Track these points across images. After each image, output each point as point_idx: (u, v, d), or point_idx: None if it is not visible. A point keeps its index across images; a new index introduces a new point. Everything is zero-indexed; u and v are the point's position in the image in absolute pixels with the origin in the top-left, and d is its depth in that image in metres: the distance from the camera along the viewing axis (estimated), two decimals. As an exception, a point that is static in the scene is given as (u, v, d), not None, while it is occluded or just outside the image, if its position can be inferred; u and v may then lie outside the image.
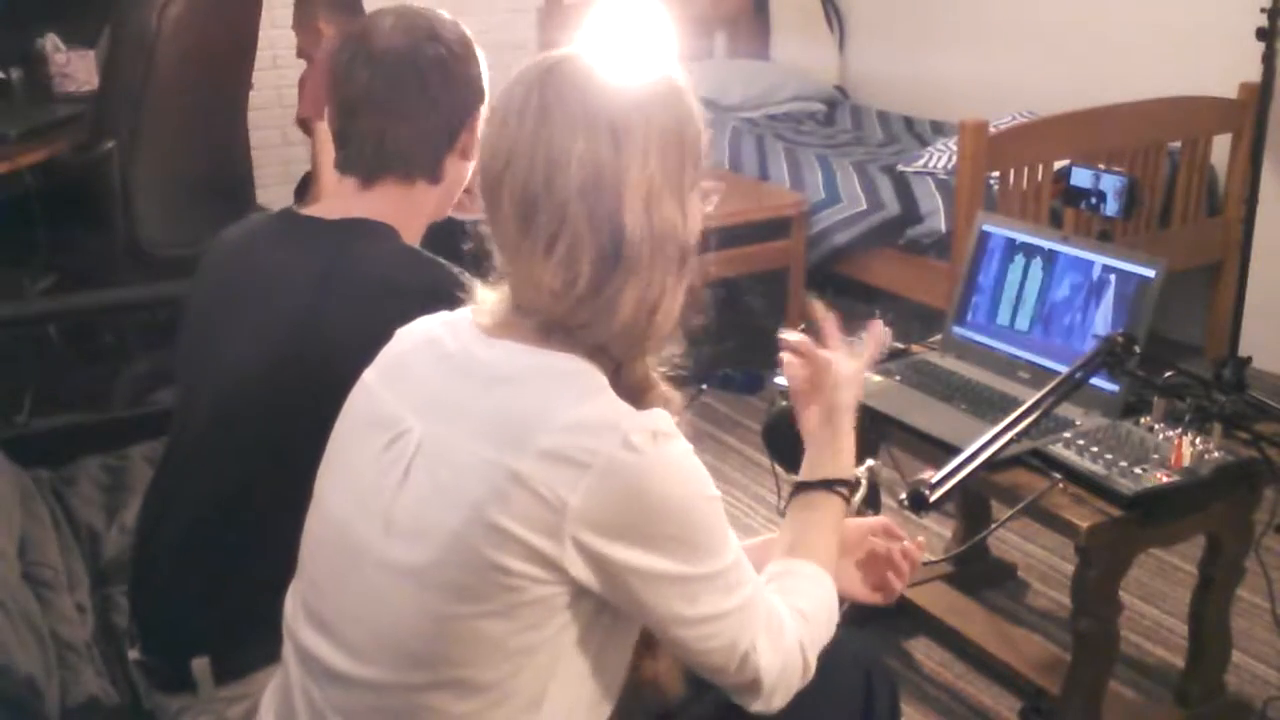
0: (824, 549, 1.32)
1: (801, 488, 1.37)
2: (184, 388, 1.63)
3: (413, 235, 1.58)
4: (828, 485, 1.35)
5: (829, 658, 1.26)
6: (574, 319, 1.11)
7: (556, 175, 1.07)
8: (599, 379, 1.11)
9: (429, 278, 1.46)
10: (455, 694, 1.10)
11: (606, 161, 1.07)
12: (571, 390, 1.09)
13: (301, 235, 1.56)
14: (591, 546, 1.06)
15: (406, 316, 1.27)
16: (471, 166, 1.60)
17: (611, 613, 1.14)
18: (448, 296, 1.29)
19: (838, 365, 1.39)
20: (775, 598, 1.22)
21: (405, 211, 1.57)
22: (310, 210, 1.59)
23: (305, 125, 3.37)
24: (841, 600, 1.34)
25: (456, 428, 1.11)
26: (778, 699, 1.19)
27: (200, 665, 1.47)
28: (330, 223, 1.55)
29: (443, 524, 1.08)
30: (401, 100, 1.53)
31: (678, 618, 1.11)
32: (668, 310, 1.14)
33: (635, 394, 1.13)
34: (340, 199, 1.58)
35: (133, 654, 1.58)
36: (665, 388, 1.18)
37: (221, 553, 1.48)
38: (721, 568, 1.12)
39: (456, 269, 1.42)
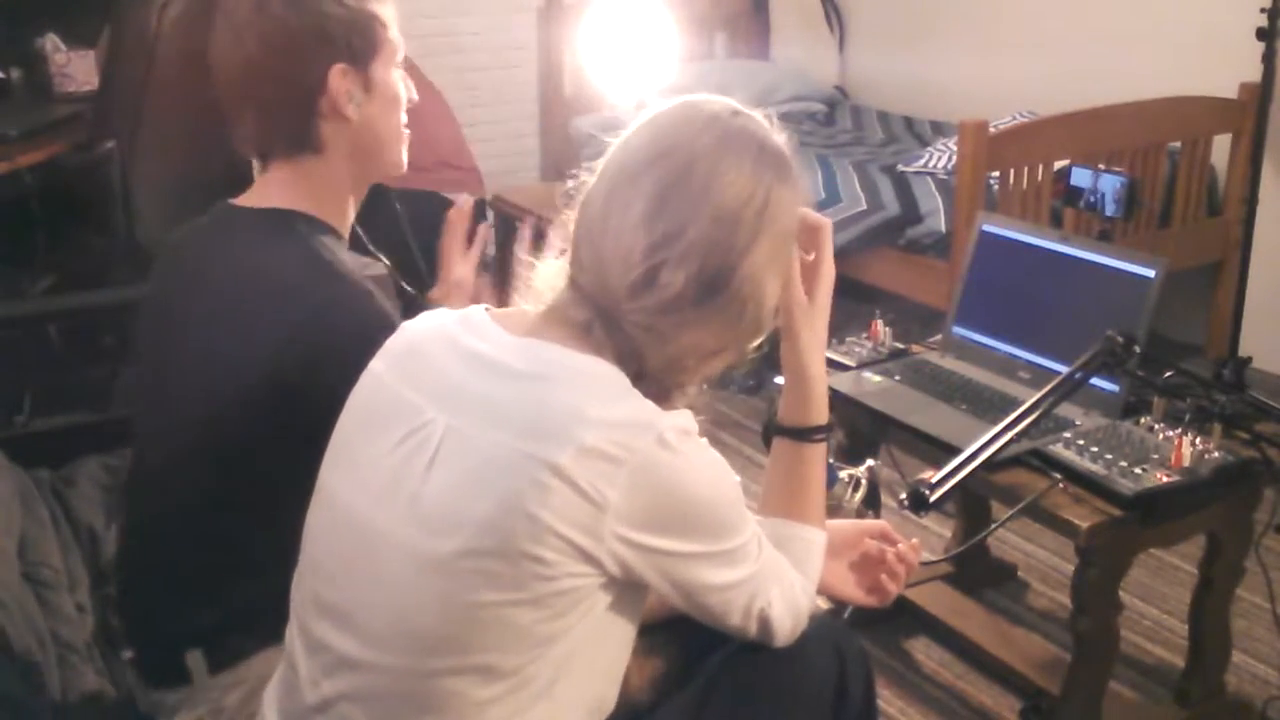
0: (819, 506, 1.42)
1: (782, 432, 1.42)
2: (148, 382, 1.61)
3: (335, 209, 1.56)
4: (807, 435, 1.41)
5: (802, 642, 1.32)
6: (633, 317, 1.15)
7: (711, 188, 1.15)
8: (625, 381, 1.16)
9: (321, 291, 1.44)
10: (477, 679, 1.12)
11: (750, 217, 1.16)
12: (604, 389, 1.13)
13: (229, 230, 1.56)
14: (631, 539, 1.11)
15: (300, 325, 1.34)
16: (379, 119, 1.55)
17: (624, 603, 1.17)
18: (343, 308, 1.38)
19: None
20: (785, 559, 1.31)
21: (314, 190, 1.54)
22: (240, 200, 1.57)
23: None
24: (839, 603, 1.36)
25: (484, 420, 1.13)
26: (783, 640, 1.30)
27: (194, 658, 1.48)
28: (253, 213, 1.54)
29: (475, 513, 1.09)
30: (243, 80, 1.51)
31: (706, 586, 1.19)
32: (716, 366, 1.22)
33: (654, 399, 1.17)
34: (258, 181, 1.57)
35: (127, 654, 1.59)
36: (679, 394, 1.23)
37: (208, 546, 1.47)
38: (744, 540, 1.21)
39: (367, 288, 1.43)
